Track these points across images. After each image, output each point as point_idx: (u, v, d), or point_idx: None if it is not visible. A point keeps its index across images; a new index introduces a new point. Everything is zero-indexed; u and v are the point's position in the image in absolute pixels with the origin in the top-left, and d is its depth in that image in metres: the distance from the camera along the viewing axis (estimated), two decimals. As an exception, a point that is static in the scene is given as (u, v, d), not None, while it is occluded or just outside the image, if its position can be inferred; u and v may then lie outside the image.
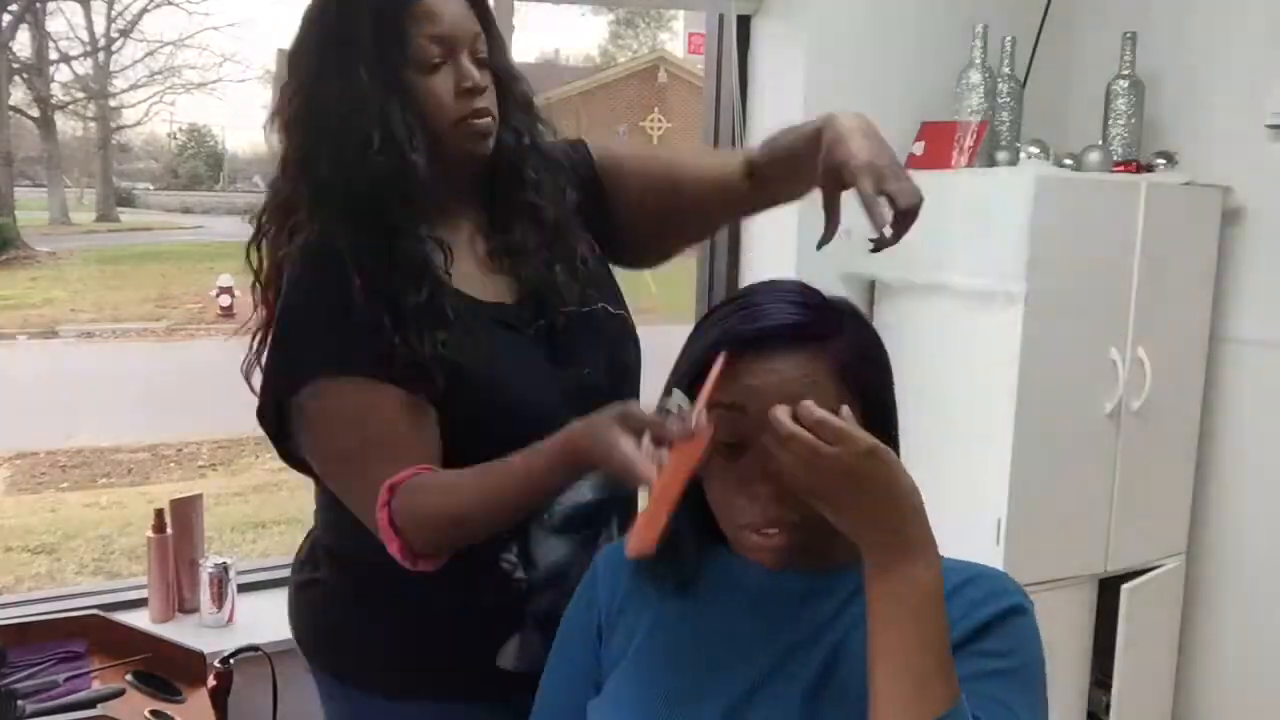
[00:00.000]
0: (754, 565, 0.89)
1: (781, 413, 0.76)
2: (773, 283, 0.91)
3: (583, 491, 1.16)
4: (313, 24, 1.12)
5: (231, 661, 1.50)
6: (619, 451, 0.86)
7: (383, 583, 1.12)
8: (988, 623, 0.83)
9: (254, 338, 1.17)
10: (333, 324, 1.07)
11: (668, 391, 0.89)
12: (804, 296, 0.88)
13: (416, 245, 1.09)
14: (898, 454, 0.89)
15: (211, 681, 1.45)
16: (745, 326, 0.85)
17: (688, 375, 0.87)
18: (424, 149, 1.09)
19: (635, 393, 1.21)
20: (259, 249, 1.18)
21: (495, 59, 1.15)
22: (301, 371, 1.08)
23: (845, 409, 0.77)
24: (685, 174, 1.29)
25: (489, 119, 1.12)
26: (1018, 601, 0.85)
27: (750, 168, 1.24)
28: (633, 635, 0.93)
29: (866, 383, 0.86)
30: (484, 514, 1.03)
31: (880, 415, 0.87)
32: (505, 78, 1.17)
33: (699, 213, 1.32)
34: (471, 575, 1.12)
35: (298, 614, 1.29)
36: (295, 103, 1.11)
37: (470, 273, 1.16)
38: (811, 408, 0.75)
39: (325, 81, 1.08)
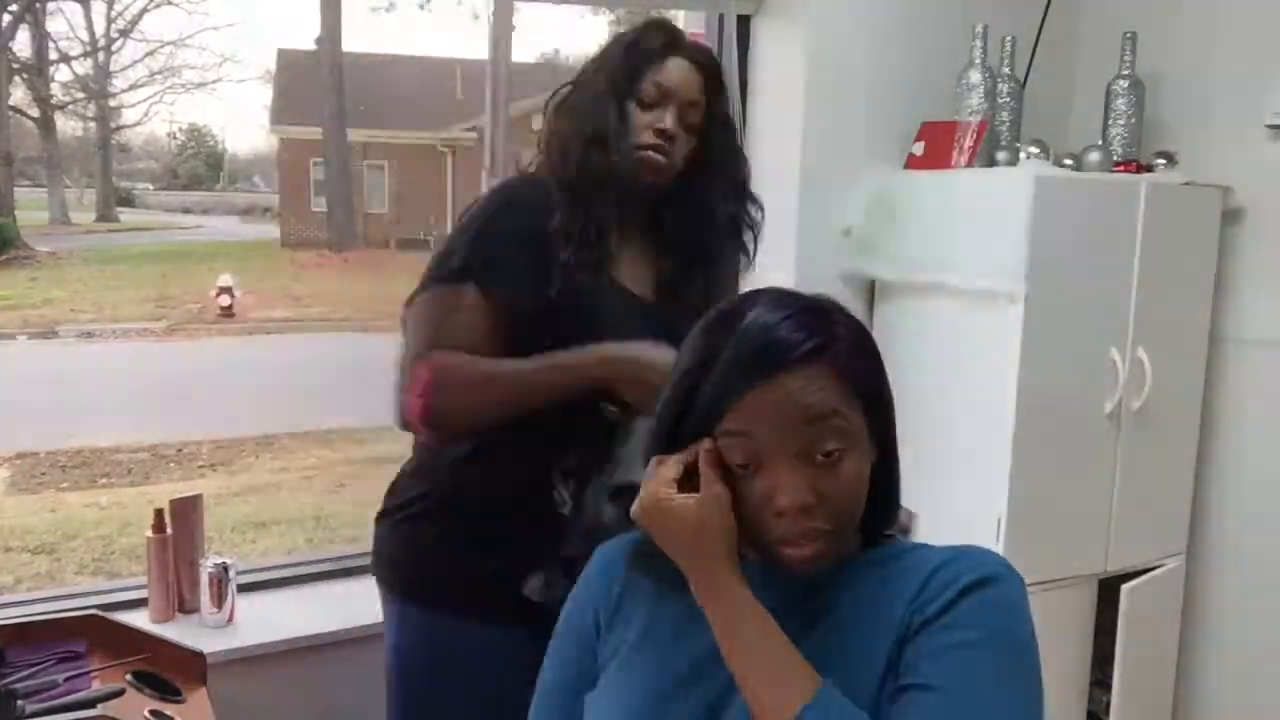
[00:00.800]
0: (747, 561, 0.89)
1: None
2: (756, 294, 0.90)
3: (637, 472, 1.22)
4: (600, 50, 1.46)
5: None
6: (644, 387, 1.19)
7: (443, 505, 1.40)
8: (955, 597, 0.82)
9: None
10: (493, 243, 1.35)
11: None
12: (794, 308, 0.87)
13: (596, 223, 1.36)
14: (895, 444, 0.90)
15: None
16: (748, 360, 0.83)
17: (672, 436, 0.89)
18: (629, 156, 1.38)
19: None
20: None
21: (709, 131, 1.43)
22: (443, 268, 1.36)
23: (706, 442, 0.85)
24: None
25: (663, 158, 1.39)
26: (990, 573, 0.83)
27: None
28: (629, 630, 0.94)
29: (864, 376, 0.87)
30: (506, 383, 1.30)
31: (876, 404, 0.87)
32: (716, 149, 1.45)
33: None
34: (523, 495, 1.34)
35: (376, 539, 1.49)
36: (561, 94, 1.45)
37: (638, 274, 1.43)
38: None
39: (584, 85, 1.43)
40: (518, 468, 1.34)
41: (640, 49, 1.40)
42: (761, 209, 1.51)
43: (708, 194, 1.44)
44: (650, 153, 1.39)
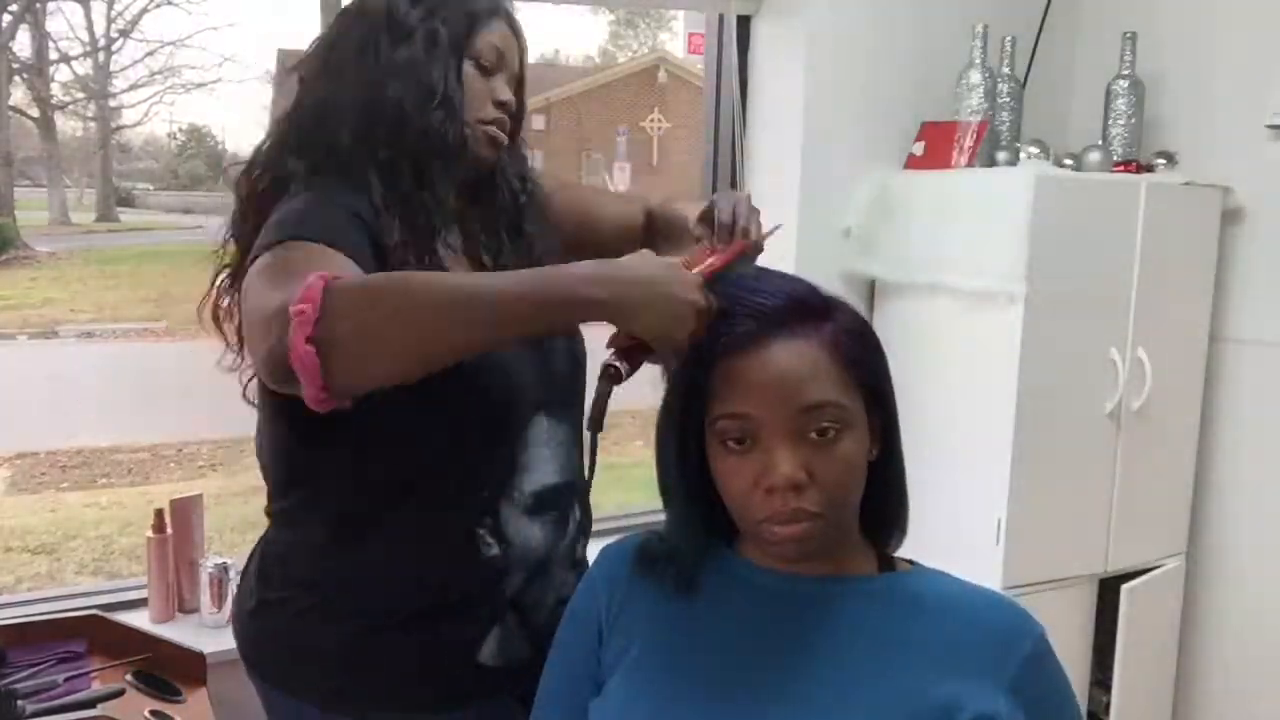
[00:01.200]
0: (756, 567, 0.89)
1: None
2: (740, 276, 0.91)
3: (548, 473, 1.19)
4: (365, 12, 1.17)
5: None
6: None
7: (348, 592, 1.11)
8: (1025, 664, 0.85)
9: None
10: (327, 216, 1.05)
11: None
12: (784, 284, 0.88)
13: (435, 205, 1.13)
14: (899, 441, 0.90)
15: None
16: (740, 328, 0.84)
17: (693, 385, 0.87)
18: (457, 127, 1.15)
19: (585, 382, 1.25)
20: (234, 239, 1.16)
21: (518, 103, 1.24)
22: (279, 235, 1.00)
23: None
24: (601, 213, 1.37)
25: (503, 135, 1.21)
26: (1039, 632, 0.87)
27: (648, 218, 1.32)
28: (634, 636, 0.93)
29: (863, 363, 0.86)
30: (451, 295, 0.88)
31: (879, 400, 0.88)
32: (520, 115, 1.26)
33: (603, 249, 1.24)
34: (447, 554, 1.11)
35: (251, 638, 1.21)
36: (329, 56, 1.18)
37: (454, 260, 1.19)
38: None
39: (379, 41, 1.14)
40: (428, 530, 1.11)
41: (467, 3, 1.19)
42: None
43: (517, 167, 1.28)
44: (493, 127, 1.19)
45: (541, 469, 1.18)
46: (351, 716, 1.13)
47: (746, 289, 0.87)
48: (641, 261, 0.92)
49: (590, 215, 1.36)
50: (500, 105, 1.19)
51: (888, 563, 0.92)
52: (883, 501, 0.90)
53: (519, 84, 1.25)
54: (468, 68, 1.17)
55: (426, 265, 1.09)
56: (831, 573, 0.89)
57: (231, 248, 1.18)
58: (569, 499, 1.22)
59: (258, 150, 1.20)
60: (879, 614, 0.87)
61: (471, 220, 1.23)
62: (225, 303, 1.19)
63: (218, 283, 1.19)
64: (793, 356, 0.82)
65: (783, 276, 0.91)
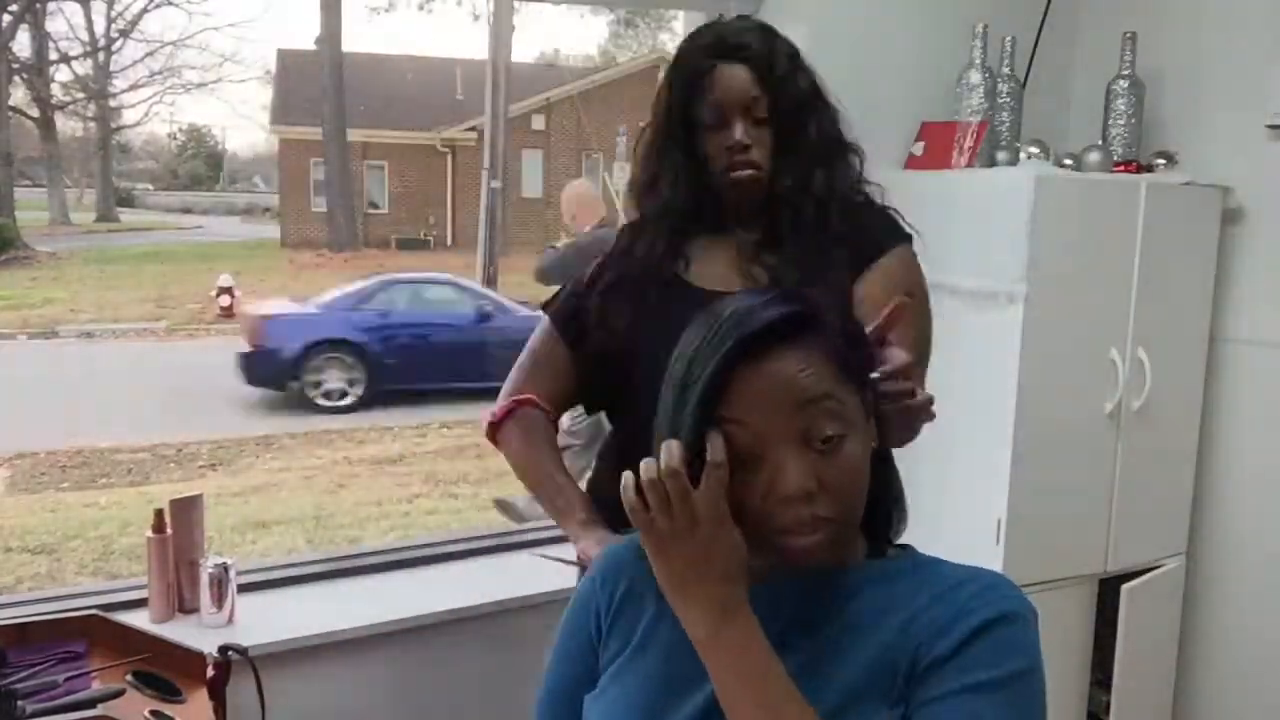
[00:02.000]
0: (753, 565, 0.89)
1: (646, 465, 0.80)
2: (730, 295, 0.90)
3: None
4: (657, 94, 1.46)
5: (231, 654, 1.49)
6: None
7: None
8: (974, 632, 0.80)
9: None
10: (571, 287, 1.52)
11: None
12: (775, 293, 0.87)
13: (650, 247, 1.44)
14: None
15: (210, 672, 1.45)
16: (730, 343, 0.82)
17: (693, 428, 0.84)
18: (689, 189, 1.42)
19: None
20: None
21: (778, 113, 1.40)
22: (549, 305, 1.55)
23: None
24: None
25: (749, 170, 1.39)
26: (1009, 609, 0.82)
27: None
28: (631, 633, 0.93)
29: (855, 360, 0.86)
30: (528, 477, 1.47)
31: (872, 388, 0.88)
32: (790, 132, 1.41)
33: None
34: None
35: None
36: (641, 143, 1.49)
37: (722, 273, 1.42)
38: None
39: (650, 135, 1.46)
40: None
41: (688, 68, 1.41)
42: (860, 155, 1.51)
43: (800, 174, 1.42)
44: (731, 173, 1.39)
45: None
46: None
47: (734, 302, 0.86)
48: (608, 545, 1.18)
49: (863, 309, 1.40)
50: (729, 149, 1.38)
51: (879, 549, 0.92)
52: (877, 491, 0.90)
53: (777, 101, 1.40)
54: (703, 135, 1.40)
55: (629, 280, 1.44)
56: (823, 568, 0.88)
57: None
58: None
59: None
60: (868, 602, 0.86)
61: (761, 239, 1.43)
62: None
63: None
64: (789, 363, 0.82)
65: (765, 291, 0.90)
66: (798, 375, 0.82)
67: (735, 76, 1.39)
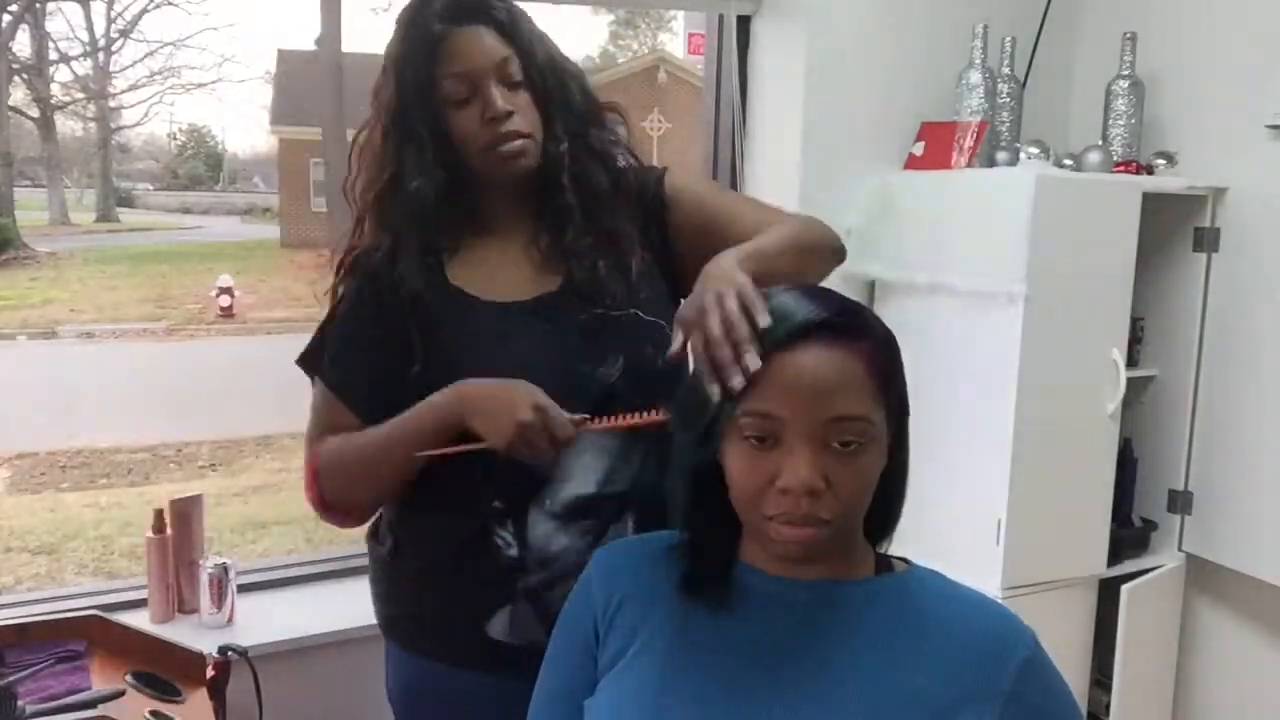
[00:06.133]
0: (755, 570, 0.89)
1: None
2: (784, 288, 0.90)
3: (586, 483, 1.19)
4: (382, 74, 1.24)
5: (230, 654, 1.49)
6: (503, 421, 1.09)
7: (400, 549, 1.27)
8: (1019, 675, 0.84)
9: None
10: (337, 335, 1.27)
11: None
12: (824, 294, 0.88)
13: (413, 261, 1.21)
14: (908, 442, 0.90)
15: (210, 672, 1.45)
16: (773, 328, 0.84)
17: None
18: (445, 178, 1.21)
19: (654, 398, 1.16)
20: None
21: (533, 74, 1.22)
22: (311, 364, 1.31)
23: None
24: (731, 225, 1.26)
25: (518, 141, 1.20)
26: (1032, 637, 0.86)
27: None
28: (632, 636, 0.92)
29: (892, 378, 0.86)
30: (372, 450, 1.20)
31: (900, 408, 0.88)
32: (546, 88, 1.23)
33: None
34: (463, 544, 1.21)
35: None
36: (363, 138, 1.26)
37: (518, 275, 1.23)
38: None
39: (377, 126, 1.23)
40: (448, 525, 1.21)
41: (418, 40, 1.18)
42: (622, 126, 1.33)
43: (575, 138, 1.25)
44: (499, 147, 1.19)
45: (578, 479, 1.19)
46: (400, 648, 1.30)
47: (791, 295, 0.87)
48: (502, 384, 1.12)
49: (719, 220, 1.28)
50: (491, 120, 1.18)
51: (884, 563, 0.92)
52: (887, 505, 0.90)
53: (527, 59, 1.21)
54: (449, 115, 1.19)
55: (425, 308, 1.21)
56: (830, 576, 0.88)
57: None
58: (616, 509, 1.21)
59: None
60: (875, 617, 0.87)
61: (542, 221, 1.26)
62: None
63: None
64: (829, 366, 0.82)
65: (823, 290, 0.90)
66: (833, 379, 0.82)
67: (478, 38, 1.18)
